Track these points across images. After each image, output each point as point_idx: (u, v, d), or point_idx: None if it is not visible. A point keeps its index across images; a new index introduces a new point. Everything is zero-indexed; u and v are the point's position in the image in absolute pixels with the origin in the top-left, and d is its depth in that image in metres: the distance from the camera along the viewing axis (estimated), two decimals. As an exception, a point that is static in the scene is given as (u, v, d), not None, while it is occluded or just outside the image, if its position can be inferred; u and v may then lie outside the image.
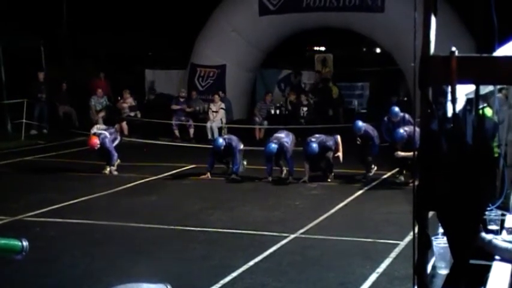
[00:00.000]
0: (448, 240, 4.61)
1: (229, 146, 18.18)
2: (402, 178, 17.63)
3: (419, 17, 3.88)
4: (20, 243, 9.12)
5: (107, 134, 19.35)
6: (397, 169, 18.01)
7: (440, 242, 5.11)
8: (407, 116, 18.56)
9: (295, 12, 25.78)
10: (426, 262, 4.26)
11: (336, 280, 10.62)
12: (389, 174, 18.55)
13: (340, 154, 18.39)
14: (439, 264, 5.07)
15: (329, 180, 18.07)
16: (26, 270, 10.42)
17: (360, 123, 18.60)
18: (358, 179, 18.15)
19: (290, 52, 27.51)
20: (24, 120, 26.75)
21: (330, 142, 18.15)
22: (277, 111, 26.09)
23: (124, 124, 26.73)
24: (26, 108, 26.87)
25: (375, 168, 18.60)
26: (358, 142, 18.80)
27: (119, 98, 27.37)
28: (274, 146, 17.66)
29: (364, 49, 27.57)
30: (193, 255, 11.90)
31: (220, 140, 18.46)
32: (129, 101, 27.21)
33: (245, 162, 18.95)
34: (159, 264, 11.20)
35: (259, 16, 26.18)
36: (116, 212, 14.94)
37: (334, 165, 18.18)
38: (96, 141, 18.80)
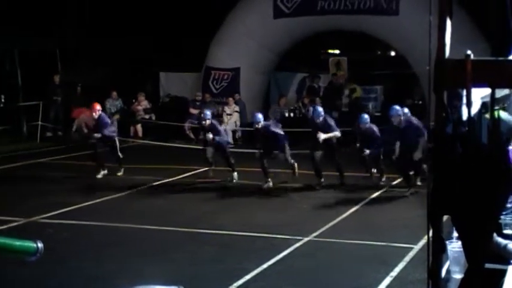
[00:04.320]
0: (463, 244, 4.58)
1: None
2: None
3: (434, 20, 3.86)
4: (34, 245, 9.13)
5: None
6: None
7: (454, 246, 5.09)
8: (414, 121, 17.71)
9: (309, 15, 25.75)
10: (440, 266, 4.24)
11: (349, 284, 10.60)
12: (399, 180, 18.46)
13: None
14: (454, 268, 5.05)
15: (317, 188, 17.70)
16: (38, 271, 10.43)
17: (366, 116, 18.55)
18: (370, 184, 18.02)
19: (304, 55, 27.42)
20: (39, 123, 26.83)
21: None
22: (291, 114, 26.01)
23: (138, 126, 26.79)
24: (41, 110, 26.94)
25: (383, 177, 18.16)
26: (357, 144, 18.44)
27: (134, 100, 27.40)
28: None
29: (379, 52, 27.48)
30: (206, 258, 11.89)
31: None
32: (144, 103, 27.26)
33: (235, 174, 18.58)
34: (171, 266, 11.21)
35: (273, 19, 26.18)
36: (128, 214, 14.94)
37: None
38: (98, 107, 19.39)
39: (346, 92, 26.46)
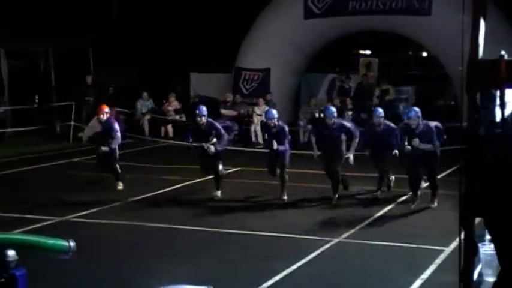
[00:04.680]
0: (496, 247, 4.52)
1: None
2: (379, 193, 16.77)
3: (468, 20, 3.81)
4: (67, 244, 9.19)
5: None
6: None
7: (487, 249, 5.04)
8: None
9: (340, 16, 25.69)
10: (472, 269, 4.20)
11: (379, 286, 10.55)
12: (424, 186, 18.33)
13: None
14: (486, 271, 5.00)
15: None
16: (69, 270, 10.46)
17: (380, 110, 17.46)
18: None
19: (334, 56, 27.36)
20: (72, 123, 26.98)
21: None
22: (322, 115, 25.90)
23: (169, 127, 26.85)
24: (74, 110, 27.10)
25: (393, 179, 17.10)
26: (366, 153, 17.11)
27: (164, 101, 27.47)
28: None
29: (410, 53, 27.35)
30: (234, 258, 11.89)
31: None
32: (175, 104, 27.32)
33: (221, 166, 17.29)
34: (200, 267, 11.21)
35: (304, 19, 26.15)
36: (159, 214, 14.96)
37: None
38: (106, 109, 17.74)
39: (377, 92, 26.39)
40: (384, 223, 14.24)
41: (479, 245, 4.48)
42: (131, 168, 19.73)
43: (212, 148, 16.10)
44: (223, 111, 26.16)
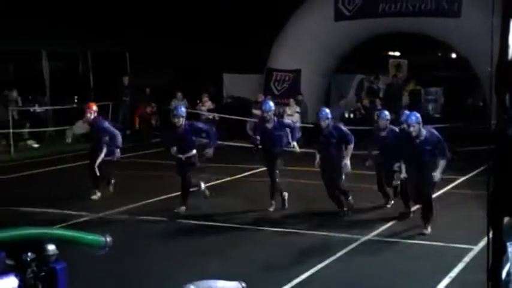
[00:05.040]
0: None
1: None
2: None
3: (497, 22, 3.78)
4: (104, 239, 9.21)
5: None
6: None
7: (515, 248, 4.97)
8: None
9: (370, 18, 25.63)
10: (501, 268, 4.16)
11: (407, 284, 10.51)
12: (462, 179, 18.23)
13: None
14: (514, 269, 4.94)
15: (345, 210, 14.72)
16: (103, 265, 10.52)
17: (386, 112, 15.67)
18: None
19: (363, 57, 27.29)
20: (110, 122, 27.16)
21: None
22: (351, 115, 25.95)
23: (203, 126, 26.94)
24: (111, 110, 27.25)
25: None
26: (367, 163, 15.41)
27: (198, 101, 27.53)
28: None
29: (439, 54, 27.23)
30: (265, 255, 11.94)
31: None
32: (208, 104, 27.37)
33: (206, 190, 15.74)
34: (231, 263, 11.27)
35: (334, 21, 26.12)
36: (190, 211, 14.93)
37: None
38: (94, 108, 16.47)
39: (406, 93, 26.34)
40: (413, 222, 14.15)
41: (508, 244, 4.43)
42: (164, 166, 19.75)
43: (211, 152, 14.93)
44: (254, 111, 26.21)
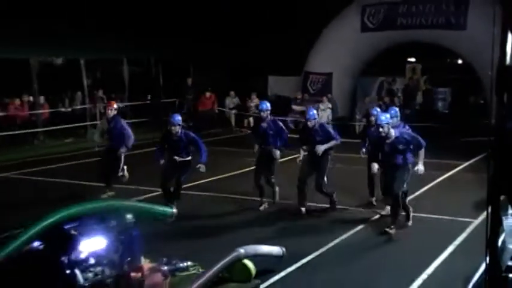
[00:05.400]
0: None
1: None
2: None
3: (498, 32, 3.74)
4: (171, 210, 9.31)
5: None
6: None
7: (509, 221, 4.92)
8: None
9: (390, 30, 25.46)
10: (497, 238, 4.13)
11: (419, 250, 10.44)
12: (466, 164, 18.04)
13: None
14: (508, 239, 4.88)
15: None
16: (170, 234, 10.59)
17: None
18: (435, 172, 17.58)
19: (385, 62, 27.10)
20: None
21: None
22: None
23: (251, 119, 26.95)
24: (177, 106, 27.48)
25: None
26: (362, 154, 13.54)
27: (247, 98, 27.59)
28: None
29: (448, 60, 26.95)
30: (296, 227, 11.87)
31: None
32: (255, 101, 27.44)
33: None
34: (270, 234, 11.28)
35: (361, 33, 26.01)
36: (242, 189, 14.72)
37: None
38: (114, 105, 14.41)
39: (420, 93, 26.23)
40: (424, 200, 14.06)
41: (503, 218, 4.39)
42: (221, 152, 19.82)
43: (203, 167, 12.47)
44: (294, 106, 26.35)
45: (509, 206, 4.58)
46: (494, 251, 4.09)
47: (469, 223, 11.80)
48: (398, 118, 12.59)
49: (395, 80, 26.99)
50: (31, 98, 23.87)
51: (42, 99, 24.09)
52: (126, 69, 26.85)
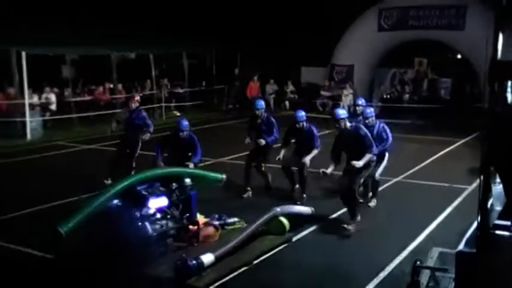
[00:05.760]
0: (503, 187, 4.45)
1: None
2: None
3: (491, 32, 3.72)
4: (221, 176, 9.36)
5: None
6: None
7: (497, 188, 4.88)
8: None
9: (402, 30, 25.23)
10: (487, 201, 4.12)
11: (424, 209, 10.42)
12: (462, 141, 17.82)
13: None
14: (496, 203, 4.84)
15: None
16: (220, 197, 10.67)
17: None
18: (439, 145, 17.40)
19: (397, 56, 26.76)
20: (225, 99, 27.54)
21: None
22: (388, 96, 25.82)
23: (287, 102, 26.97)
24: (227, 91, 27.62)
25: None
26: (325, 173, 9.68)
27: (284, 85, 27.55)
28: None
29: (449, 55, 26.52)
30: (322, 191, 11.80)
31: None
32: (291, 87, 27.45)
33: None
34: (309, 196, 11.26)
35: (377, 32, 25.81)
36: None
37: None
38: (137, 98, 12.65)
39: (426, 82, 26.00)
40: (428, 169, 13.98)
41: (492, 185, 4.36)
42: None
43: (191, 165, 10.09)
44: (322, 92, 26.33)
45: (497, 176, 4.55)
46: (484, 212, 4.08)
47: (465, 189, 11.71)
48: (373, 117, 10.66)
49: (406, 71, 26.78)
50: (111, 85, 24.15)
51: (119, 86, 24.36)
52: (186, 62, 26.93)
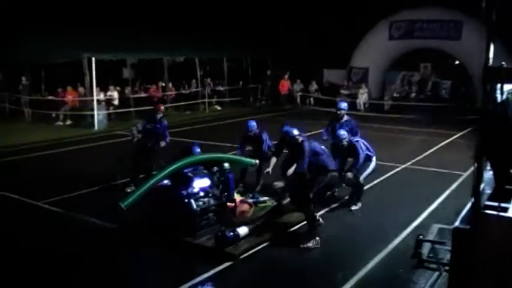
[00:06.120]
0: (493, 173, 4.42)
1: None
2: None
3: (484, 43, 3.70)
4: (255, 161, 9.29)
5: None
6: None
7: (488, 175, 4.83)
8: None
9: (409, 39, 24.97)
10: (480, 185, 4.09)
11: (426, 190, 10.31)
12: (459, 134, 17.53)
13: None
14: (486, 187, 4.80)
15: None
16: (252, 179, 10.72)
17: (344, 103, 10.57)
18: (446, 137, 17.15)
19: (405, 61, 26.37)
20: (258, 96, 27.52)
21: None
22: (397, 95, 25.53)
23: (311, 99, 26.83)
24: (260, 89, 27.59)
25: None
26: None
27: (309, 84, 27.39)
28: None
29: (449, 61, 26.06)
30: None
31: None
32: (314, 86, 27.29)
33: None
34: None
35: (388, 40, 25.57)
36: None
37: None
38: (162, 107, 11.10)
39: (430, 83, 25.66)
40: (431, 158, 13.81)
41: (484, 172, 4.33)
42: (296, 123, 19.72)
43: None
44: (341, 90, 26.16)
45: (488, 164, 4.51)
46: (477, 194, 4.06)
47: (461, 175, 11.56)
48: (345, 140, 9.16)
49: (413, 74, 26.48)
50: (163, 84, 24.35)
51: (170, 84, 24.55)
52: (226, 65, 26.99)
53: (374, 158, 9.30)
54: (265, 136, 10.16)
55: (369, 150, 9.25)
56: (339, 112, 10.13)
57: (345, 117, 10.20)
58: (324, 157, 8.16)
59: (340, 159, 9.07)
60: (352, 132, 9.77)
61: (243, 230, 7.51)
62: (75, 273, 6.73)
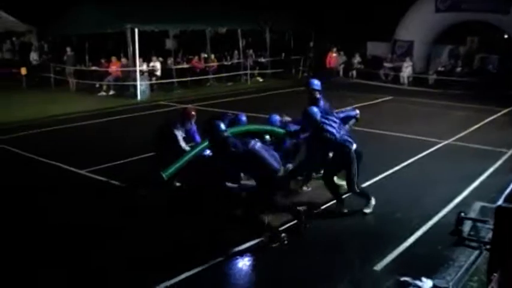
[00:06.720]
0: None
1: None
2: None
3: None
4: (283, 131, 9.08)
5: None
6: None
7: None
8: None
9: (456, 11, 24.27)
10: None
11: (468, 168, 10.12)
12: (505, 110, 17.02)
13: None
14: None
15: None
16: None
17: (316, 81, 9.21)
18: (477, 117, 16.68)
19: (452, 34, 25.63)
20: (301, 68, 27.29)
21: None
22: (442, 69, 24.94)
23: (354, 72, 26.45)
24: (302, 61, 27.38)
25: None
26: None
27: (352, 57, 26.99)
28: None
29: (497, 35, 25.13)
30: (373, 149, 10.88)
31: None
32: (358, 59, 26.87)
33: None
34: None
35: (435, 13, 24.91)
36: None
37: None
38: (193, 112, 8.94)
39: (477, 57, 24.92)
40: (475, 134, 13.51)
41: None
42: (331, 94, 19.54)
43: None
44: (385, 63, 25.76)
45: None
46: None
47: (505, 153, 11.28)
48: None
49: (458, 48, 25.79)
50: (205, 55, 24.42)
51: (212, 56, 24.60)
52: (268, 36, 26.79)
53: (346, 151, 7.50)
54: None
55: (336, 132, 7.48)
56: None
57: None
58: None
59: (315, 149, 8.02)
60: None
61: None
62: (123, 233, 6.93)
